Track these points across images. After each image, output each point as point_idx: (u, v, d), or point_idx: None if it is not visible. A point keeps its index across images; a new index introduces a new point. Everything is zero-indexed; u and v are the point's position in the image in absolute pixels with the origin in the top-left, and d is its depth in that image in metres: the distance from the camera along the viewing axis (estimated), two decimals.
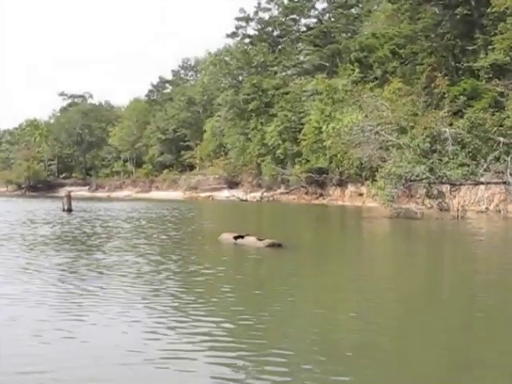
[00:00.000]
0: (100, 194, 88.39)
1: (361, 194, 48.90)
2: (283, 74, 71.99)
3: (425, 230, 25.10)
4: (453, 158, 30.88)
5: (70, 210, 34.63)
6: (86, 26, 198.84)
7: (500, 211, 33.05)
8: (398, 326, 8.26)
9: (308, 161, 55.48)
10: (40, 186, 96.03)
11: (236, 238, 17.43)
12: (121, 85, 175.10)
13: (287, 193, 62.08)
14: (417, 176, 30.07)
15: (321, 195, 56.56)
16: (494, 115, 34.64)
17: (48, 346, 7.19)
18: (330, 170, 53.14)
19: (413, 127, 34.68)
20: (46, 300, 9.63)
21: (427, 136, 32.34)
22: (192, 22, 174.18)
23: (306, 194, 58.66)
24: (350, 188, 52.22)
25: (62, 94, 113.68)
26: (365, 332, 7.80)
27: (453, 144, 31.41)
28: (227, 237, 17.92)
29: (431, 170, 30.17)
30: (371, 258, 16.06)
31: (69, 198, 36.03)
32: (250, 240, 16.97)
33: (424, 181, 30.38)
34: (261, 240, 16.60)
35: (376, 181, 32.78)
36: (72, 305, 9.31)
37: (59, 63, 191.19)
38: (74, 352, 6.93)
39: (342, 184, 53.58)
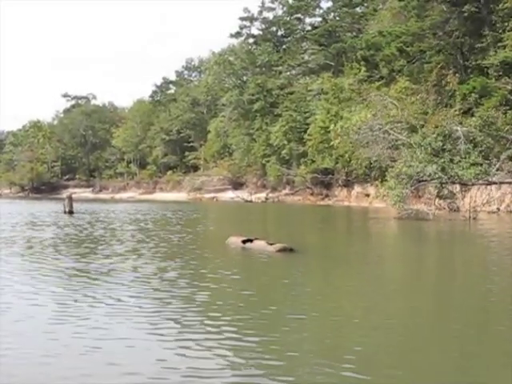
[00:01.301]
0: (104, 195, 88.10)
1: (367, 195, 48.31)
2: (288, 73, 71.35)
3: (437, 232, 24.40)
4: (465, 158, 30.11)
5: (71, 212, 34.29)
6: (86, 26, 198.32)
7: (511, 211, 32.36)
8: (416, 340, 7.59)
9: (313, 161, 54.88)
10: (43, 188, 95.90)
11: (244, 241, 16.59)
12: (121, 85, 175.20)
13: (292, 194, 61.59)
14: (428, 176, 29.34)
15: (326, 196, 55.97)
16: (506, 113, 33.92)
17: (53, 363, 6.50)
18: (336, 170, 52.56)
19: (423, 126, 33.96)
20: (46, 312, 8.93)
21: (438, 135, 31.58)
22: (192, 22, 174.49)
23: (312, 194, 58.09)
24: (357, 189, 51.63)
25: (65, 96, 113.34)
26: (380, 346, 7.21)
27: (465, 143, 30.65)
28: (235, 240, 17.08)
29: (443, 169, 29.39)
30: (388, 263, 15.46)
31: (70, 199, 35.81)
32: (260, 244, 16.10)
33: (436, 181, 29.63)
34: (271, 244, 15.69)
35: (386, 181, 32.08)
36: (76, 317, 8.57)
37: (59, 63, 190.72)
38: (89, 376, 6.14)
39: (348, 185, 52.99)
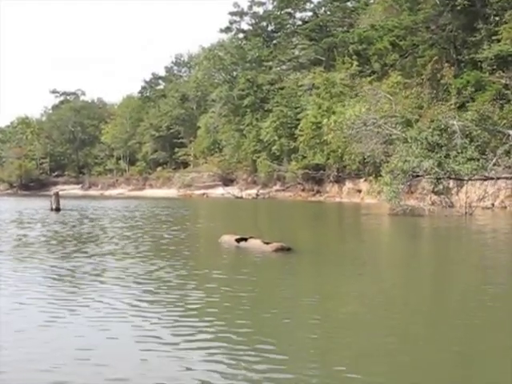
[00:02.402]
0: (93, 192, 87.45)
1: (359, 191, 48.05)
2: (278, 68, 70.67)
3: (434, 228, 23.95)
4: (461, 152, 29.61)
5: (58, 210, 33.89)
6: (86, 26, 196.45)
7: (506, 207, 32.02)
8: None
9: (305, 157, 54.44)
10: (32, 185, 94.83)
11: (238, 240, 15.92)
12: (121, 85, 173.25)
13: (283, 190, 61.16)
14: (425, 171, 28.84)
15: (318, 192, 55.60)
16: (502, 107, 33.52)
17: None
18: (328, 166, 52.03)
19: (418, 120, 33.51)
20: (30, 316, 8.34)
21: (434, 129, 31.10)
22: (192, 22, 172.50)
23: (303, 190, 57.72)
24: (348, 184, 51.29)
25: (53, 92, 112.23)
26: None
27: (461, 137, 30.16)
28: (228, 239, 16.40)
29: (439, 164, 28.88)
30: (386, 261, 15.04)
31: (57, 196, 35.48)
32: (255, 243, 15.37)
33: (432, 176, 29.14)
34: (267, 243, 14.94)
35: (381, 176, 31.59)
36: (63, 322, 7.96)
37: (58, 63, 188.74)
38: None
39: (339, 180, 52.59)
